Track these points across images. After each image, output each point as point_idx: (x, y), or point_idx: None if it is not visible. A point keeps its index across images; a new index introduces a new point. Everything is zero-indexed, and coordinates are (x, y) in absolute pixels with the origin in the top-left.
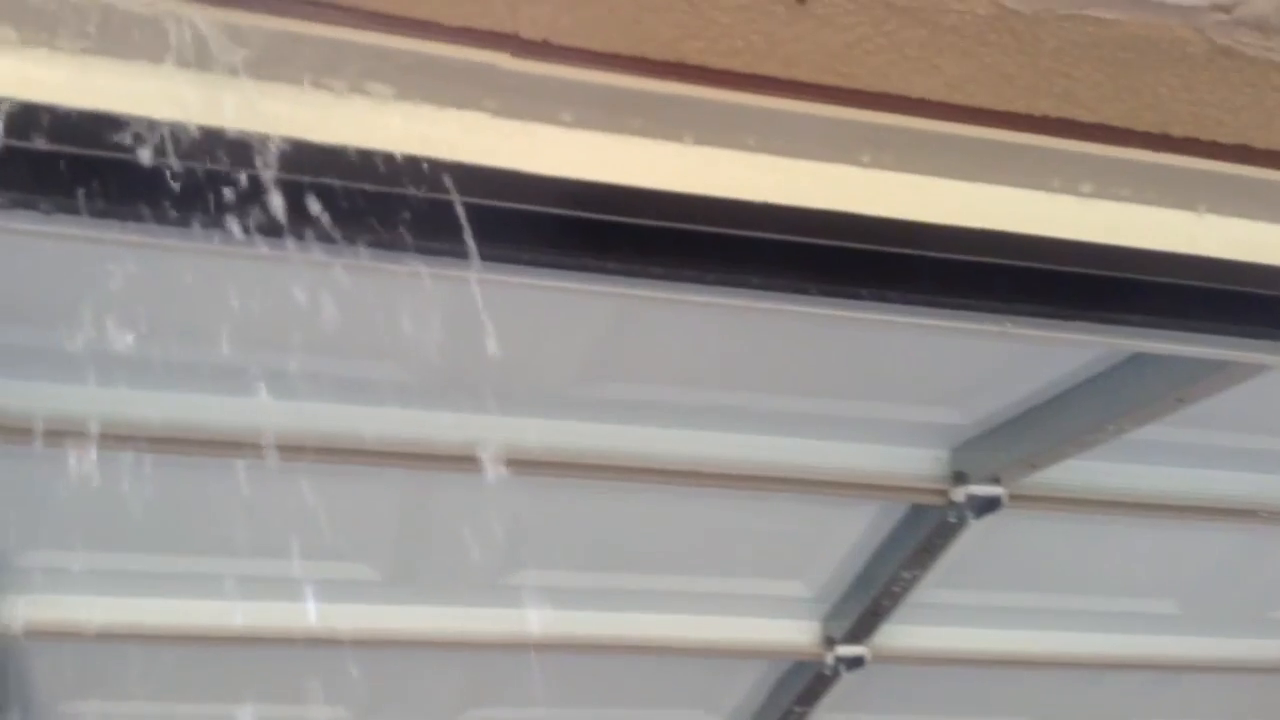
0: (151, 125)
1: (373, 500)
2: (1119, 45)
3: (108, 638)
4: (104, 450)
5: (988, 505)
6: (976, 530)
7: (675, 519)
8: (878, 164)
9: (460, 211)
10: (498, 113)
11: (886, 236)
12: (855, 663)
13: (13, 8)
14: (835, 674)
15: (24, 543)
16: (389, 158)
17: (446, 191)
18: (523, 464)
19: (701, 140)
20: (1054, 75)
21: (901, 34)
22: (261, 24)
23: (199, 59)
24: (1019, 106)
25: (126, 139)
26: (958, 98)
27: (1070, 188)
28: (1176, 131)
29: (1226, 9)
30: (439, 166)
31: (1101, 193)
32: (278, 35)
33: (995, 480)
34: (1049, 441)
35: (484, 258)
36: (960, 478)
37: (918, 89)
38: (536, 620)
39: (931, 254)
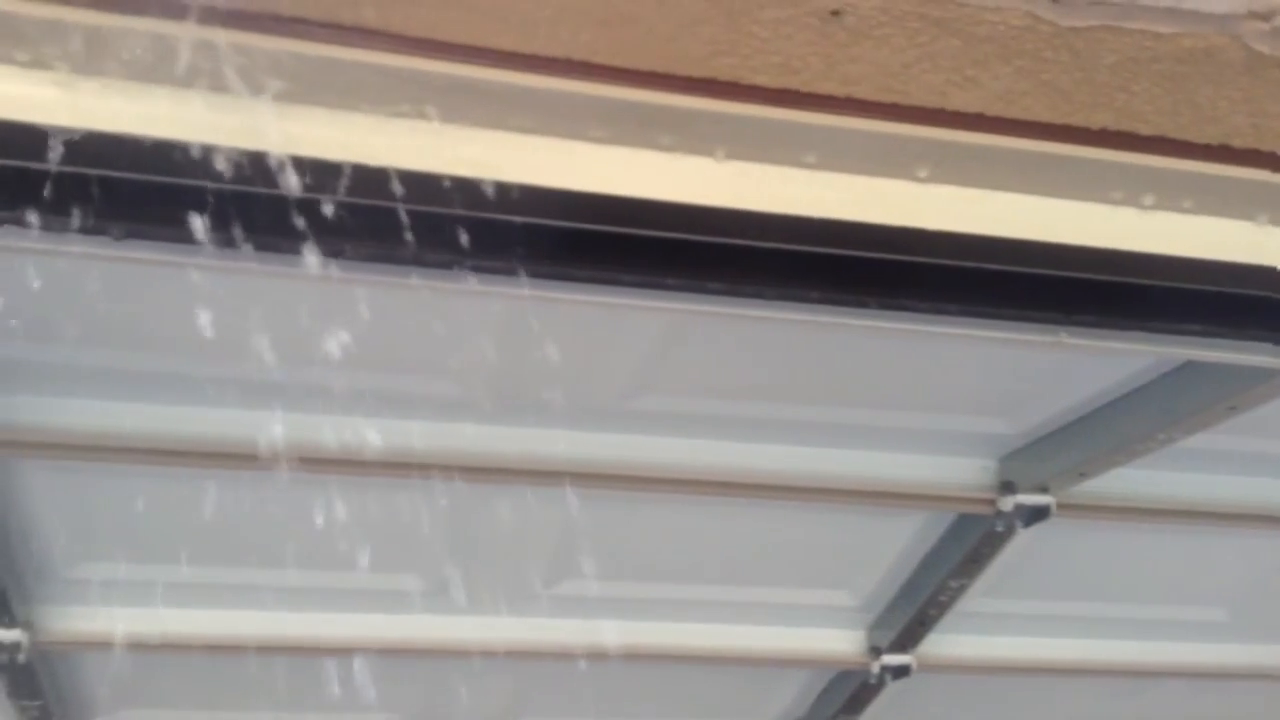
0: (201, 150)
1: (420, 511)
2: (1177, 59)
3: (154, 648)
4: (151, 465)
5: (1036, 514)
6: (1024, 539)
7: (721, 529)
8: (935, 178)
9: (494, 228)
10: (530, 131)
11: (946, 250)
12: (901, 672)
13: (61, 39)
14: (881, 683)
15: (72, 555)
16: (427, 178)
17: (479, 209)
18: (569, 476)
19: (733, 155)
20: (1112, 90)
21: (935, 45)
22: (306, 50)
23: (248, 85)
24: (1076, 120)
25: (177, 164)
26: (1014, 112)
27: (1132, 200)
28: (1237, 143)
29: None
30: (473, 185)
31: (1163, 204)
32: (321, 61)
33: (1044, 489)
34: (1099, 450)
35: (519, 273)
36: (1008, 487)
37: (966, 104)
38: (582, 630)
39: (992, 267)
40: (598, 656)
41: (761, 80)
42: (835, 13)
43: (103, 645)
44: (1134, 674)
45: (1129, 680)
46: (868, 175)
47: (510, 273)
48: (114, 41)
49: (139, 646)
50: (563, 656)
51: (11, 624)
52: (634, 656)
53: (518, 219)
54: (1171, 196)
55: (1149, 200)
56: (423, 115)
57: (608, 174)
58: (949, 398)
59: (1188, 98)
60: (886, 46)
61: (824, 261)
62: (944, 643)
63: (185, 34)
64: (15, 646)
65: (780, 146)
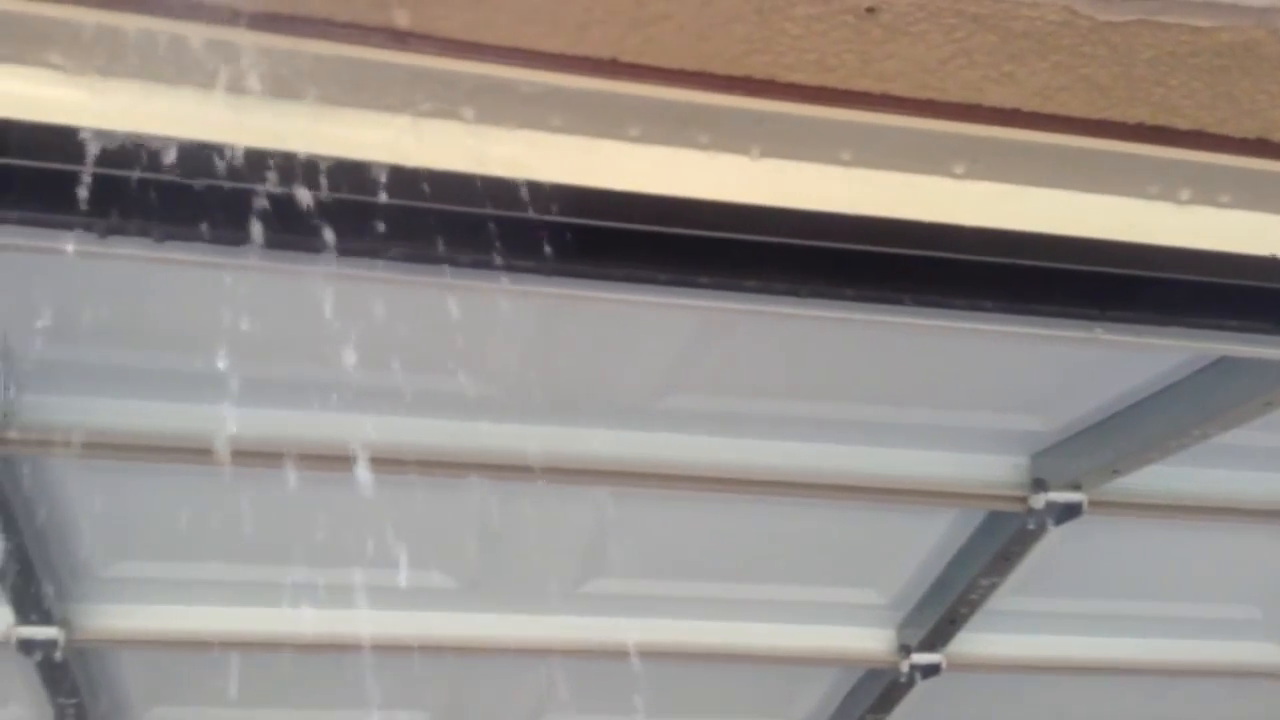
0: (234, 152)
1: (450, 509)
2: (1215, 53)
3: (189, 645)
4: (185, 464)
5: (1068, 512)
6: (1055, 537)
7: (751, 528)
8: (972, 175)
9: (528, 228)
10: (565, 130)
11: (982, 246)
12: (930, 670)
13: (95, 44)
14: (910, 682)
15: (108, 554)
16: (461, 179)
17: (514, 209)
18: (598, 474)
19: (769, 153)
20: (1149, 84)
21: (972, 41)
22: (339, 52)
23: (281, 88)
24: (1114, 115)
25: (209, 167)
26: (1051, 108)
27: (1169, 194)
28: (1276, 137)
29: None
30: (507, 185)
31: (1200, 199)
32: (354, 63)
33: (1076, 487)
34: (1132, 447)
35: (554, 272)
36: (1040, 484)
37: (1002, 99)
38: (610, 628)
39: (1028, 262)
40: (625, 655)
41: (796, 78)
42: (870, 10)
43: (137, 643)
44: (1167, 673)
45: (1162, 679)
46: (904, 172)
47: (544, 272)
48: (145, 44)
49: (173, 644)
50: (590, 654)
51: (48, 621)
52: (661, 655)
53: (552, 218)
54: (1209, 191)
55: (1186, 195)
56: (456, 116)
57: (643, 173)
58: (981, 395)
59: (1226, 91)
60: (922, 43)
61: (860, 258)
62: (974, 641)
63: (218, 37)
64: (52, 644)
65: (816, 144)
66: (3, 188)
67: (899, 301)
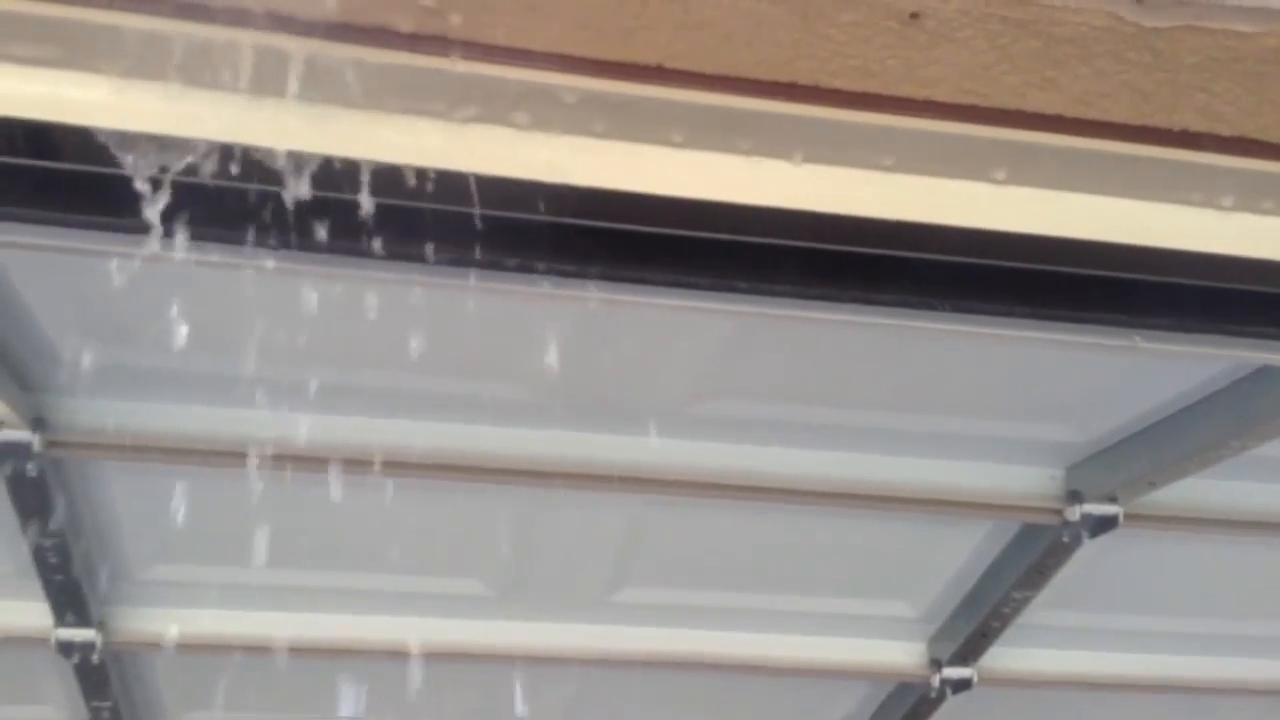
0: (280, 156)
1: (485, 517)
2: (1259, 59)
3: (222, 649)
4: (222, 468)
5: (1103, 524)
6: (1090, 550)
7: (782, 537)
8: (1013, 180)
9: (571, 233)
10: (609, 136)
11: (1022, 252)
12: (962, 685)
13: (144, 50)
14: (941, 696)
15: (146, 557)
16: (505, 183)
17: (557, 213)
18: (631, 482)
19: (811, 158)
20: (1193, 90)
21: (1015, 47)
22: (388, 60)
23: (330, 95)
24: (1156, 121)
25: (253, 169)
26: (1093, 113)
27: (1211, 201)
28: None
29: None
30: (551, 190)
31: (1243, 206)
32: (404, 70)
33: (1111, 499)
34: (1169, 459)
35: (594, 277)
36: (1075, 496)
37: (1044, 105)
38: (639, 638)
39: (1068, 269)
40: (654, 664)
41: (839, 83)
42: (914, 15)
43: (173, 646)
44: (1202, 690)
45: (1197, 697)
46: (945, 177)
47: (585, 277)
48: (194, 51)
49: (208, 648)
50: (619, 664)
51: (87, 623)
52: (690, 665)
53: (595, 224)
54: (1251, 197)
55: (1228, 201)
56: (501, 122)
57: (685, 178)
58: (1017, 405)
59: (1269, 97)
60: (965, 49)
61: (900, 264)
62: (1006, 656)
63: (267, 43)
64: (90, 646)
65: (858, 149)
66: (51, 191)
67: (938, 307)
